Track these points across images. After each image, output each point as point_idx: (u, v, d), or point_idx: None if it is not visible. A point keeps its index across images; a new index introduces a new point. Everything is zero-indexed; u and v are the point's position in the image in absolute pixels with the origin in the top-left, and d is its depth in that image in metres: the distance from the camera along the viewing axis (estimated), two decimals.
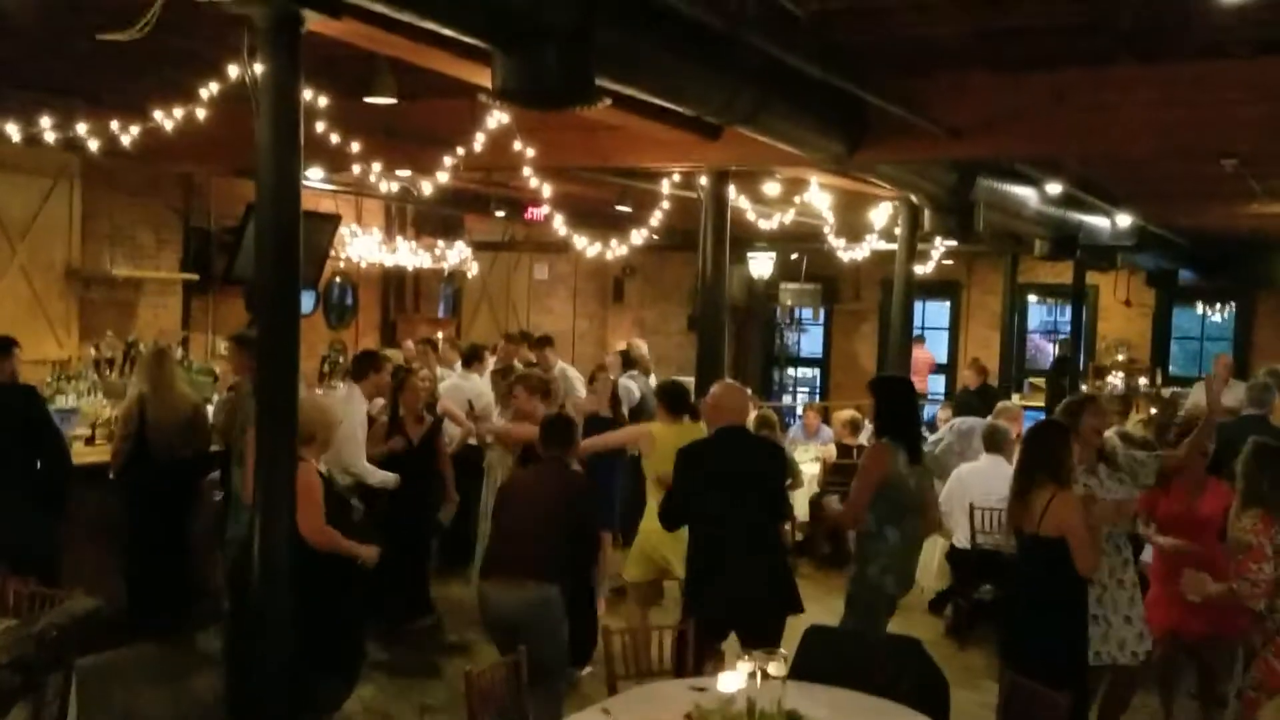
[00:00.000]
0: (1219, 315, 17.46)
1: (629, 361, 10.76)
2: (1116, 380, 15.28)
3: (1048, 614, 5.01)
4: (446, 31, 4.42)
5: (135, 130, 6.85)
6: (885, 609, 5.76)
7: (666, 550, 6.35)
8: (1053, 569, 4.95)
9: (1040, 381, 16.14)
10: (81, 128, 6.90)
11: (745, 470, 5.62)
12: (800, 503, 9.84)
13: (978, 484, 8.01)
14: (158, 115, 6.60)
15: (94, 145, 7.01)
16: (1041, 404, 14.32)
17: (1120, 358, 16.54)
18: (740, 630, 5.35)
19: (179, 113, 6.52)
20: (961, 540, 8.09)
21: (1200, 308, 17.62)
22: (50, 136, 6.98)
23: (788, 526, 9.56)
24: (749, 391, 9.81)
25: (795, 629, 4.99)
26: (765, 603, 5.48)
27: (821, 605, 8.56)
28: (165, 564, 6.97)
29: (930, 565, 8.41)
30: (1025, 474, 5.13)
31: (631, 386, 10.02)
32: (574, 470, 5.89)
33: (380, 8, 4.08)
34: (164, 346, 7.77)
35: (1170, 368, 17.06)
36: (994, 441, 8.27)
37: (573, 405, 8.34)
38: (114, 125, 6.89)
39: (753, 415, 10.26)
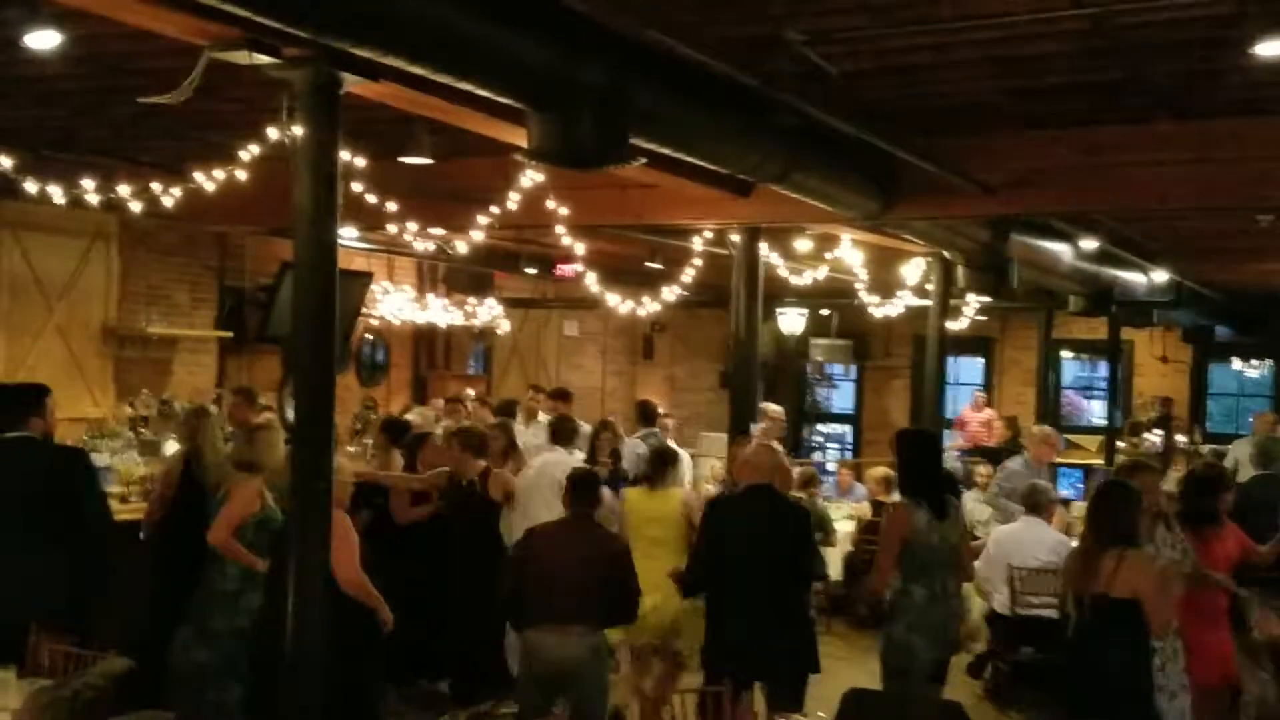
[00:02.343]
0: (1256, 371, 17.24)
1: (648, 418, 10.37)
2: (1154, 438, 15.07)
3: (1118, 677, 4.92)
4: (482, 93, 4.46)
5: (176, 191, 6.94)
6: (918, 670, 5.66)
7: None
8: (1122, 631, 4.88)
9: (1077, 439, 15.94)
10: (124, 189, 6.99)
11: (768, 527, 5.71)
12: (834, 561, 9.72)
13: (1015, 547, 7.85)
14: (198, 177, 6.69)
15: (135, 207, 7.09)
16: (1083, 461, 14.19)
17: (1157, 414, 16.31)
18: (755, 682, 5.43)
19: (218, 174, 6.60)
20: (1001, 604, 7.93)
21: (1237, 364, 17.42)
22: (92, 198, 7.07)
23: (820, 587, 9.47)
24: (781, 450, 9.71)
25: (827, 689, 4.90)
26: (780, 660, 5.54)
27: (856, 665, 8.43)
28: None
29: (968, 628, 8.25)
30: (1092, 535, 5.09)
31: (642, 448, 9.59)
32: (604, 529, 5.94)
33: (418, 70, 4.12)
34: (204, 405, 7.71)
35: (1208, 424, 16.83)
36: (1034, 502, 8.07)
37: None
38: (155, 187, 6.98)
39: (796, 472, 10.18)
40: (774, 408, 9.48)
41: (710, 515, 5.97)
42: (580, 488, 5.86)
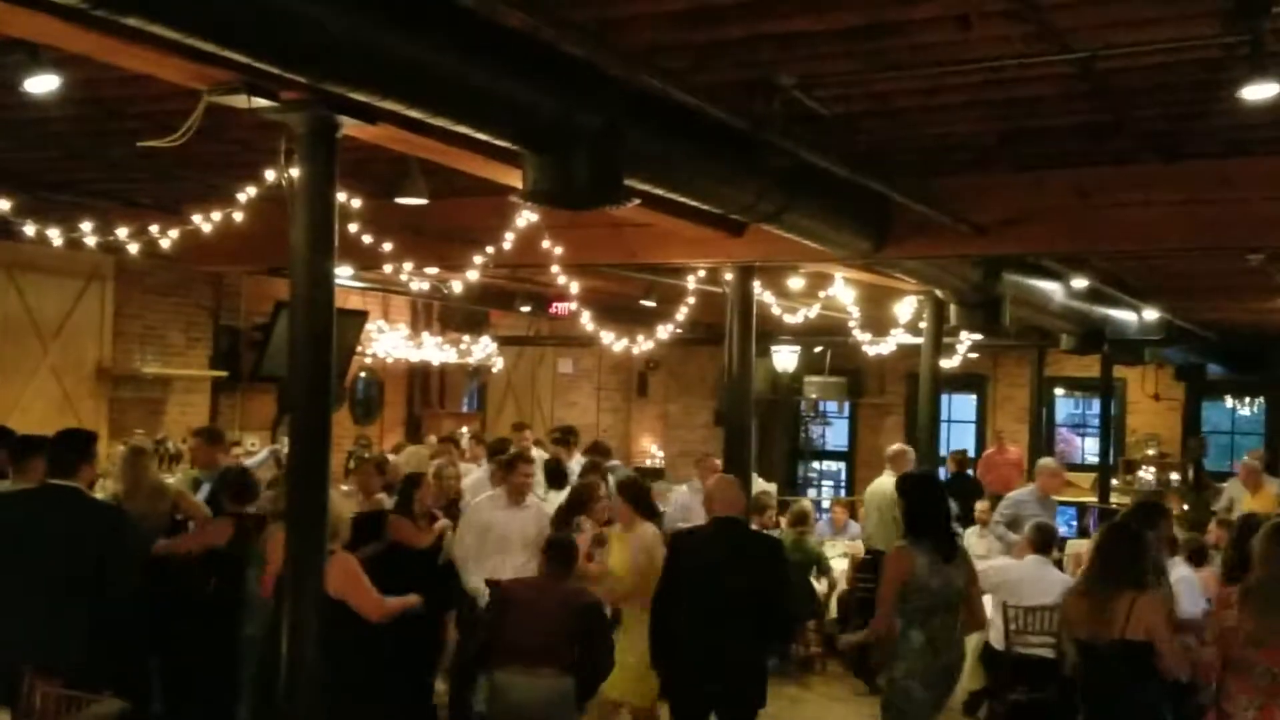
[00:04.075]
0: (1249, 409, 17.28)
1: (601, 456, 9.98)
2: (1148, 475, 15.08)
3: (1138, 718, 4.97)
4: (479, 135, 4.51)
5: (173, 233, 6.97)
6: (917, 713, 5.62)
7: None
8: (1139, 674, 4.93)
9: (1071, 476, 15.94)
10: (121, 231, 7.03)
11: (734, 560, 5.75)
12: (830, 600, 9.70)
13: (1023, 585, 7.78)
14: (195, 218, 6.72)
15: (133, 248, 7.12)
16: (1076, 499, 14.19)
17: (1150, 452, 16.35)
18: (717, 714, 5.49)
19: (216, 215, 6.64)
20: (996, 640, 7.91)
21: (1230, 402, 17.47)
22: (90, 240, 7.10)
23: (813, 625, 9.43)
24: (769, 489, 9.67)
25: None
26: (729, 692, 5.63)
27: (848, 706, 8.45)
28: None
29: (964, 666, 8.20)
30: (1102, 580, 5.10)
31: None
32: (578, 589, 5.91)
33: (415, 114, 4.16)
34: (140, 445, 7.50)
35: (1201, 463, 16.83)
36: (1042, 541, 8.02)
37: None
38: (153, 229, 7.01)
39: (798, 507, 10.16)
40: None
41: (674, 547, 6.07)
42: (555, 554, 5.85)
